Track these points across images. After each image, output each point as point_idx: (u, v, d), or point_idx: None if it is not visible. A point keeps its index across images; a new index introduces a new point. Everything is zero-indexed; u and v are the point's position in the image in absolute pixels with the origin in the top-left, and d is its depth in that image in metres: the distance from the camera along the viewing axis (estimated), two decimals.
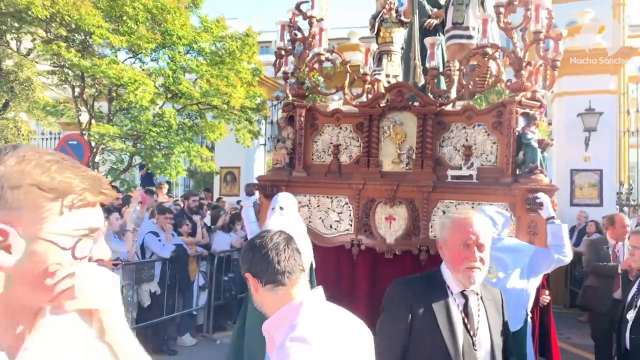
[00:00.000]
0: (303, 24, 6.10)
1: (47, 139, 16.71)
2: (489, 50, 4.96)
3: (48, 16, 10.01)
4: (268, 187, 5.63)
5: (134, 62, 11.84)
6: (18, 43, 12.66)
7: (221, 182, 14.77)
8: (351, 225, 5.54)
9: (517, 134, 4.93)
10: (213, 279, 8.36)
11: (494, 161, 5.12)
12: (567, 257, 4.23)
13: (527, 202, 4.63)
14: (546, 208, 4.45)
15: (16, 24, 10.69)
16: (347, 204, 5.58)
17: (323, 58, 5.71)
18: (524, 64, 4.93)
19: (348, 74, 5.80)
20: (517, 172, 4.94)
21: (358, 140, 5.67)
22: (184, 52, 11.88)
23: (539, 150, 4.82)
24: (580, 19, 12.21)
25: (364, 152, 5.56)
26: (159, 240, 7.41)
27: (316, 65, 5.82)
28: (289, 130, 5.81)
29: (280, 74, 6.00)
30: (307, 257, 4.71)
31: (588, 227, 10.12)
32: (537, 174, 4.76)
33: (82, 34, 10.90)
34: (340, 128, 5.77)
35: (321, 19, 5.84)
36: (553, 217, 4.33)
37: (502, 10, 4.92)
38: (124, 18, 10.75)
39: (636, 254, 4.40)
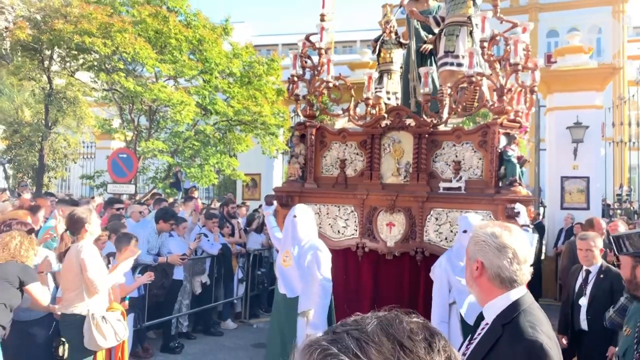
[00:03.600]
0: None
1: (87, 147, 17.30)
2: (475, 79, 5.25)
3: (110, 52, 10.75)
4: (284, 197, 5.96)
5: (173, 85, 12.47)
6: (65, 64, 13.18)
7: (243, 188, 15.05)
8: (356, 230, 5.81)
9: (499, 151, 5.22)
10: (249, 273, 9.13)
11: (479, 175, 5.41)
12: None
13: (507, 210, 4.92)
14: (522, 216, 4.77)
15: (74, 52, 11.47)
16: (352, 211, 5.86)
17: (330, 85, 6.02)
18: (505, 91, 5.22)
19: (352, 98, 6.10)
20: (500, 184, 5.23)
21: (362, 156, 5.93)
22: (217, 76, 12.49)
23: (518, 166, 5.12)
24: (570, 40, 12.40)
25: (367, 166, 5.82)
26: (208, 240, 8.19)
27: (325, 91, 6.13)
28: (301, 147, 6.09)
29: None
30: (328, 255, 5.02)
31: (575, 229, 10.32)
32: (516, 186, 5.07)
33: (135, 64, 11.65)
34: (346, 145, 6.03)
35: (328, 49, 6.15)
36: (527, 225, 4.65)
37: (485, 44, 5.22)
38: (168, 48, 11.44)
39: (580, 254, 4.98)
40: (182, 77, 12.22)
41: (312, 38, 6.10)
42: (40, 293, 4.37)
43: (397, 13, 7.25)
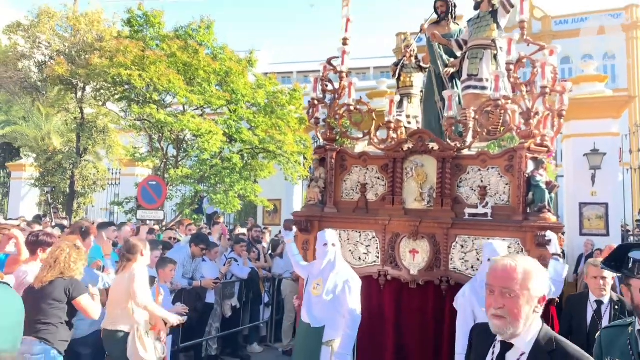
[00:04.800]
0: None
1: (113, 173, 17.25)
2: (501, 102, 4.82)
3: (144, 85, 10.75)
4: (303, 222, 5.53)
5: (200, 115, 12.42)
6: (98, 95, 13.14)
7: (264, 213, 14.68)
8: (378, 257, 5.36)
9: (526, 176, 4.78)
10: (274, 298, 8.89)
11: (506, 200, 4.95)
12: (557, 294, 4.17)
13: (537, 238, 4.45)
14: (553, 245, 4.31)
15: (108, 85, 11.49)
16: (374, 237, 5.41)
17: (352, 108, 5.63)
18: (533, 114, 4.77)
19: (374, 121, 5.68)
20: (528, 210, 4.76)
21: (383, 180, 5.51)
22: (243, 106, 12.45)
23: (546, 191, 4.66)
24: (586, 69, 11.95)
25: (389, 191, 5.38)
26: (238, 264, 8.04)
27: (345, 114, 5.73)
28: (320, 171, 5.68)
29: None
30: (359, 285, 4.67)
31: (595, 255, 9.72)
32: (545, 213, 4.60)
33: (164, 94, 11.63)
34: (367, 169, 5.61)
35: (349, 72, 5.77)
36: (558, 254, 4.17)
37: (512, 67, 4.79)
38: (197, 80, 11.41)
39: (594, 283, 4.42)
40: (210, 107, 12.13)
41: (333, 62, 5.72)
42: (89, 305, 4.33)
43: (416, 40, 6.90)
